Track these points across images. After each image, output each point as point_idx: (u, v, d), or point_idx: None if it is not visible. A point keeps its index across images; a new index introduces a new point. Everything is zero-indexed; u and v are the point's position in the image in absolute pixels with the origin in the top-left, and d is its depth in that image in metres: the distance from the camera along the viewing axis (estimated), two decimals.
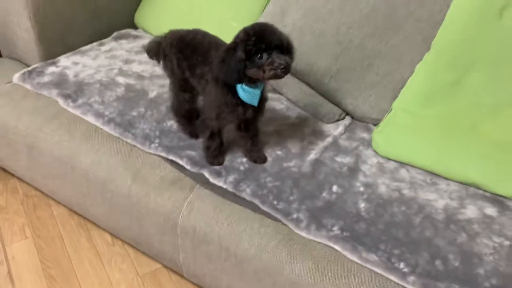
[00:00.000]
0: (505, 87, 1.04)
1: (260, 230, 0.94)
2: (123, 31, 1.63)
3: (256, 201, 0.98)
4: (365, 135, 1.20)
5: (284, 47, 0.89)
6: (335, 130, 1.21)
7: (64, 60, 1.40)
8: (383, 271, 0.84)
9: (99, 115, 1.18)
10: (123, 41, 1.56)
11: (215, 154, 1.05)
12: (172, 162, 1.08)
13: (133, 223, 1.12)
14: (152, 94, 1.26)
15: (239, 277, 0.98)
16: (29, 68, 1.35)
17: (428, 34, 1.13)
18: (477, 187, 1.03)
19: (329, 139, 1.16)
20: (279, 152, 1.10)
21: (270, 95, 1.23)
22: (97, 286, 1.21)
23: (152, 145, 1.10)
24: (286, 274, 0.89)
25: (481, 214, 0.95)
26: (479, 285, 0.81)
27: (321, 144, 1.14)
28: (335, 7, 1.21)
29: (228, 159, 1.07)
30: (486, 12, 1.05)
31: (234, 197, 1.00)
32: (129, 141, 1.13)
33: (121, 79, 1.32)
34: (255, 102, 0.96)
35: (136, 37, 1.61)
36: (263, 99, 1.00)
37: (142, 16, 1.65)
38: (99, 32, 1.57)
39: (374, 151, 1.13)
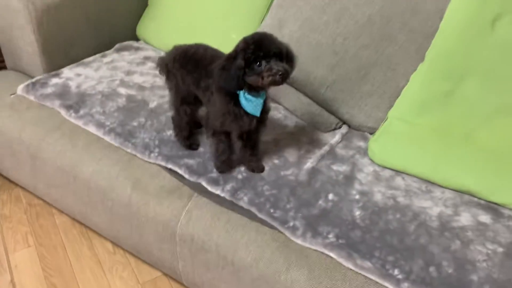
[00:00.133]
0: (498, 96, 1.05)
1: (257, 238, 0.95)
2: (125, 43, 1.66)
3: (253, 209, 0.99)
4: (361, 143, 1.21)
5: (284, 55, 0.92)
6: (332, 138, 1.23)
7: (67, 72, 1.43)
8: (377, 277, 0.85)
9: (100, 125, 1.21)
10: (125, 53, 1.59)
11: (223, 159, 1.06)
12: (171, 171, 1.10)
13: (133, 231, 1.14)
14: (152, 104, 1.29)
15: (236, 285, 0.99)
16: (33, 80, 1.38)
17: (422, 44, 1.16)
18: (472, 194, 1.04)
19: (326, 148, 1.18)
20: (276, 161, 1.12)
21: None
22: None
23: (152, 155, 1.13)
24: (283, 281, 0.90)
25: (475, 221, 0.96)
26: None
27: (318, 153, 1.16)
28: (331, 19, 1.24)
29: None
30: (479, 23, 1.07)
31: (231, 205, 1.01)
32: (129, 150, 1.15)
33: (122, 90, 1.35)
34: (257, 113, 0.98)
35: (137, 48, 1.64)
36: (265, 110, 1.01)
37: (144, 28, 1.69)
38: (102, 44, 1.61)
39: (370, 159, 1.15)
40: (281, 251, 0.92)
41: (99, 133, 1.20)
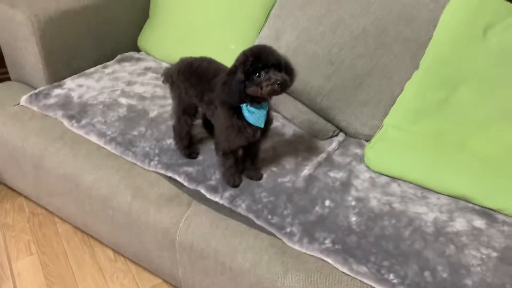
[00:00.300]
0: (491, 103, 1.08)
1: (255, 244, 0.97)
2: (126, 54, 1.69)
3: (251, 216, 1.01)
4: (358, 150, 1.23)
5: (282, 66, 0.93)
6: (329, 146, 1.25)
7: (69, 83, 1.46)
8: (373, 282, 0.87)
9: (101, 134, 1.23)
10: (126, 64, 1.62)
11: (231, 173, 1.07)
12: (170, 179, 1.12)
13: (133, 239, 1.16)
14: (152, 114, 1.31)
15: None
16: (36, 91, 1.41)
17: (416, 53, 1.18)
18: (467, 200, 1.06)
19: (323, 155, 1.20)
20: (274, 168, 1.13)
21: None
22: None
23: (152, 163, 1.15)
24: (280, 286, 0.91)
25: (469, 226, 0.97)
26: None
27: (315, 160, 1.17)
28: (327, 29, 1.26)
29: None
30: (471, 32, 1.10)
31: (230, 212, 1.03)
32: (129, 159, 1.17)
33: (123, 100, 1.37)
34: (261, 124, 0.99)
35: (138, 59, 1.67)
36: (268, 121, 1.03)
37: (145, 40, 1.72)
38: (103, 55, 1.64)
39: (367, 166, 1.17)
40: (279, 256, 0.94)
41: (101, 142, 1.22)
